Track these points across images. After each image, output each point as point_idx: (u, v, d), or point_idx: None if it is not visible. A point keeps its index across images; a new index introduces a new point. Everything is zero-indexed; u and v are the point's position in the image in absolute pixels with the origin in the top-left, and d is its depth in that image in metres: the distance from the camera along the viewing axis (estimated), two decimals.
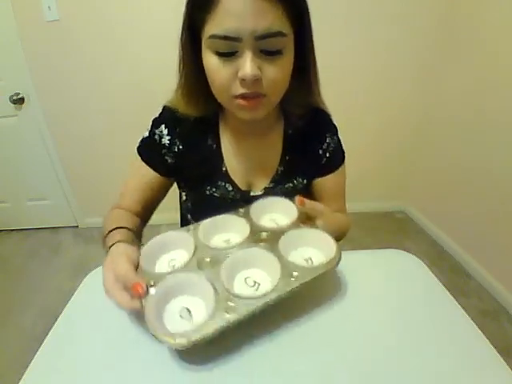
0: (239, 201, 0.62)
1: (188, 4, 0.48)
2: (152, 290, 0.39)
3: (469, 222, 1.64)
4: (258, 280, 0.42)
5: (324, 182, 0.67)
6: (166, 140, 0.61)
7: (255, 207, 0.53)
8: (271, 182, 0.63)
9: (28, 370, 0.38)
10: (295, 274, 0.40)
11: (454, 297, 0.47)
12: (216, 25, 0.43)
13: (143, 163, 0.63)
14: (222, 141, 0.62)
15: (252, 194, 0.63)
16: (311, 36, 0.52)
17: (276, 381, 0.36)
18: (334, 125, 0.66)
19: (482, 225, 1.55)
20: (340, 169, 0.67)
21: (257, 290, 0.41)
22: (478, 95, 1.52)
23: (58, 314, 0.46)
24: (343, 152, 0.68)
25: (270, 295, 0.37)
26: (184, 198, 0.68)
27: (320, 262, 0.43)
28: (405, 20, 1.65)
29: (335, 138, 0.66)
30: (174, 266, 0.44)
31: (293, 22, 0.45)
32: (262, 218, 0.52)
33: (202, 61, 0.49)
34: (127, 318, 0.44)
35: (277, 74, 0.46)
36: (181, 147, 0.62)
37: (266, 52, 0.44)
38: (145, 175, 0.63)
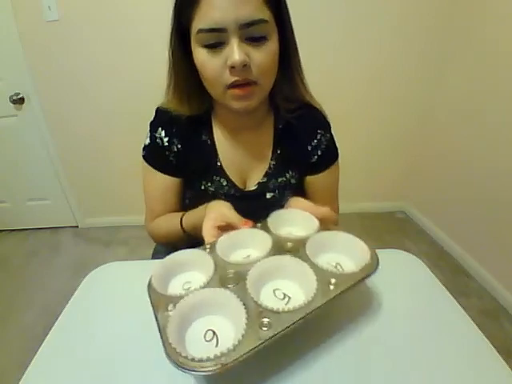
0: (233, 196, 0.63)
1: (175, 4, 0.51)
2: (171, 314, 0.34)
3: (469, 221, 1.64)
4: (287, 292, 0.39)
5: (316, 180, 0.67)
6: (165, 142, 0.62)
7: (272, 220, 0.50)
8: (264, 176, 0.64)
9: (28, 370, 0.38)
10: (333, 281, 0.37)
11: (454, 297, 0.47)
12: (201, 19, 0.46)
13: (154, 170, 0.64)
14: (215, 136, 0.63)
15: (246, 189, 0.64)
16: (290, 23, 0.54)
17: None
18: (328, 122, 0.66)
19: (482, 225, 1.55)
20: (332, 167, 0.67)
21: (287, 303, 0.37)
22: (479, 95, 1.52)
23: (58, 313, 0.46)
24: (336, 150, 0.68)
25: (310, 307, 0.34)
26: (183, 196, 0.69)
27: (350, 268, 0.41)
28: (405, 18, 1.65)
29: (327, 135, 0.65)
30: (189, 289, 0.39)
31: (272, 9, 0.48)
32: (279, 232, 0.48)
33: (192, 60, 0.51)
34: (127, 318, 0.44)
35: (264, 58, 0.48)
36: (179, 146, 0.63)
37: (252, 39, 0.47)
38: (160, 182, 0.64)
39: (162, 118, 0.62)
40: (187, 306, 0.35)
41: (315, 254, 0.42)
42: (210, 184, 0.63)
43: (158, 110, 0.63)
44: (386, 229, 2.00)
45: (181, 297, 0.36)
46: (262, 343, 0.30)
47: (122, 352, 0.40)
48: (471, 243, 1.64)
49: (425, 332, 0.41)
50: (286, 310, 0.33)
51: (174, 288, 0.41)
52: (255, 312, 0.34)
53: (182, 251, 0.44)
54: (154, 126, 0.63)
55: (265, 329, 0.32)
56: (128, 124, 1.81)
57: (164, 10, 1.60)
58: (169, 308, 0.35)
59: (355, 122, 1.85)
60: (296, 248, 0.43)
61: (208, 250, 0.45)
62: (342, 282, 0.37)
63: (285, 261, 0.40)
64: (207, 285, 0.38)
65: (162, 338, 0.32)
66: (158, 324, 0.34)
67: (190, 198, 0.68)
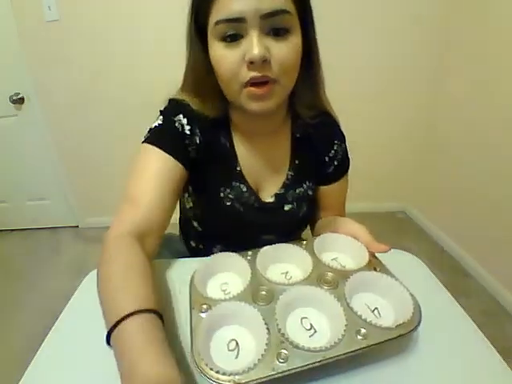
0: (252, 206, 0.59)
1: (192, 0, 0.48)
2: (204, 315, 0.38)
3: (469, 222, 1.64)
4: (315, 323, 0.38)
5: (328, 190, 0.66)
6: (186, 129, 0.53)
7: (318, 242, 0.49)
8: (282, 187, 0.61)
9: (28, 370, 0.38)
10: (363, 331, 0.35)
11: (454, 297, 0.47)
12: (219, 11, 0.43)
13: (163, 155, 0.49)
14: (234, 140, 0.59)
15: (264, 200, 0.60)
16: (313, 22, 0.50)
17: None
18: (342, 132, 0.64)
19: (482, 225, 1.55)
20: (344, 176, 0.66)
21: (312, 335, 0.37)
22: (480, 95, 1.52)
23: (58, 313, 0.46)
24: (349, 160, 0.66)
25: (331, 352, 0.33)
26: (190, 204, 0.63)
27: (389, 317, 0.39)
28: (409, 18, 1.65)
29: (343, 145, 0.64)
30: (225, 291, 0.43)
31: (295, 2, 0.44)
32: (323, 256, 0.48)
33: (209, 59, 0.48)
34: None
35: (286, 54, 0.44)
36: (202, 140, 0.55)
37: (273, 31, 0.43)
38: (167, 169, 0.50)
39: (181, 107, 0.54)
40: (219, 312, 0.38)
41: (355, 292, 0.41)
42: (229, 191, 0.58)
43: (172, 100, 0.55)
44: (386, 229, 2.00)
45: (216, 301, 0.39)
46: (273, 375, 0.31)
47: None
48: (471, 243, 1.64)
49: (424, 332, 0.41)
50: (305, 348, 0.33)
51: (213, 287, 0.44)
52: (277, 340, 0.34)
53: (226, 253, 0.47)
54: (170, 112, 0.54)
55: (281, 361, 0.32)
56: (128, 123, 1.81)
57: (167, 9, 1.59)
58: (203, 308, 0.39)
59: (355, 122, 1.84)
60: (335, 281, 0.42)
61: (250, 257, 0.47)
62: (372, 334, 0.35)
63: (319, 294, 0.40)
64: (241, 295, 0.40)
65: (191, 336, 0.35)
66: (190, 321, 0.37)
67: (205, 206, 0.61)
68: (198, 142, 0.55)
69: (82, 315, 0.46)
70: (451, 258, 1.74)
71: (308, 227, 0.71)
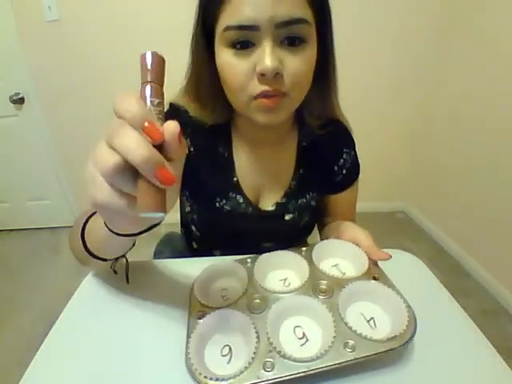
0: (251, 216, 0.58)
1: (200, 0, 0.45)
2: (200, 321, 0.38)
3: (469, 221, 1.64)
4: (308, 332, 0.38)
5: (338, 198, 0.64)
6: None
7: (318, 248, 0.49)
8: (283, 196, 0.58)
9: (28, 370, 0.38)
10: (351, 343, 0.34)
11: (454, 297, 0.47)
12: (230, 15, 0.39)
13: None
14: (234, 150, 0.57)
15: (262, 208, 0.59)
16: (332, 31, 0.47)
17: None
18: (352, 138, 0.62)
19: (482, 225, 1.55)
20: (355, 183, 0.64)
21: (303, 344, 0.37)
22: (479, 95, 1.52)
23: (58, 313, 0.46)
24: (359, 166, 0.64)
25: (315, 363, 0.33)
26: (188, 209, 0.63)
27: (384, 328, 0.38)
28: (405, 17, 1.65)
29: (352, 152, 0.62)
30: (224, 297, 0.43)
31: (314, 10, 0.41)
32: (323, 262, 0.48)
33: (215, 65, 0.45)
34: (127, 318, 0.44)
35: (300, 66, 0.41)
36: (192, 149, 0.55)
37: (288, 41, 0.40)
38: None
39: (176, 112, 0.53)
40: (214, 319, 0.38)
41: (352, 301, 0.41)
42: (225, 201, 0.57)
43: (172, 104, 0.54)
44: (386, 229, 2.01)
45: (212, 308, 0.40)
46: (257, 383, 0.32)
47: (121, 352, 0.40)
48: (471, 243, 1.64)
49: (424, 332, 0.41)
50: (292, 358, 0.33)
51: (213, 293, 0.45)
52: (265, 348, 0.35)
53: (226, 260, 0.48)
54: (166, 117, 0.54)
55: (268, 369, 0.33)
56: None
57: (168, 9, 1.58)
58: (199, 314, 0.39)
59: (355, 122, 1.85)
60: (331, 290, 0.42)
61: (249, 264, 0.47)
62: (360, 347, 0.34)
63: (312, 303, 0.40)
64: (238, 302, 0.41)
65: (186, 340, 0.36)
66: (188, 325, 0.38)
67: (202, 214, 0.61)
68: (188, 151, 0.55)
69: (81, 315, 0.46)
70: (451, 258, 1.74)
71: (312, 233, 0.70)
